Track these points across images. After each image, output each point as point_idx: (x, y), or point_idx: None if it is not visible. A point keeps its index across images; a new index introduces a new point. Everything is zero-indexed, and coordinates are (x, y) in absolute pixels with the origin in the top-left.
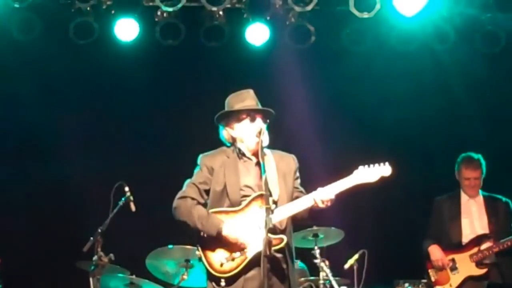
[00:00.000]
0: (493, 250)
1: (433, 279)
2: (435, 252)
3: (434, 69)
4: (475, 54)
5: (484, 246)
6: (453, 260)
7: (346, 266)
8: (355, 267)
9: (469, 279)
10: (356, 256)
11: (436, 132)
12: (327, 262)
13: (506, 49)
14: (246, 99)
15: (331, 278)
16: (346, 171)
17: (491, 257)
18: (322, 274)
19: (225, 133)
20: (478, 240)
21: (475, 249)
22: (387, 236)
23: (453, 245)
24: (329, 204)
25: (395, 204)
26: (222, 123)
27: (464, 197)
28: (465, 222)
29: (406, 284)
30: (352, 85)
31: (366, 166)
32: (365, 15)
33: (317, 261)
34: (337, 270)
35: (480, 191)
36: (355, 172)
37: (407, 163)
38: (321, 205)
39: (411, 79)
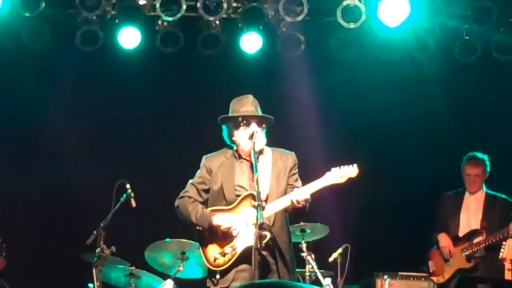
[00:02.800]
0: (482, 244)
1: (431, 270)
2: (443, 239)
3: (415, 76)
4: (453, 62)
5: (475, 240)
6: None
7: (331, 259)
8: (338, 260)
9: (460, 271)
10: (339, 250)
11: (416, 135)
12: (313, 256)
13: (481, 57)
14: (245, 104)
15: (317, 270)
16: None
17: (481, 252)
18: (308, 267)
19: (226, 135)
20: (470, 235)
21: (467, 244)
22: (368, 232)
23: (451, 239)
24: (304, 203)
25: (376, 203)
26: (224, 125)
27: (467, 194)
28: (463, 217)
29: (385, 276)
30: (338, 90)
31: (338, 167)
32: (352, 25)
33: (303, 254)
34: (322, 263)
35: (485, 189)
36: (327, 173)
37: (388, 165)
38: (297, 205)
39: (393, 86)
